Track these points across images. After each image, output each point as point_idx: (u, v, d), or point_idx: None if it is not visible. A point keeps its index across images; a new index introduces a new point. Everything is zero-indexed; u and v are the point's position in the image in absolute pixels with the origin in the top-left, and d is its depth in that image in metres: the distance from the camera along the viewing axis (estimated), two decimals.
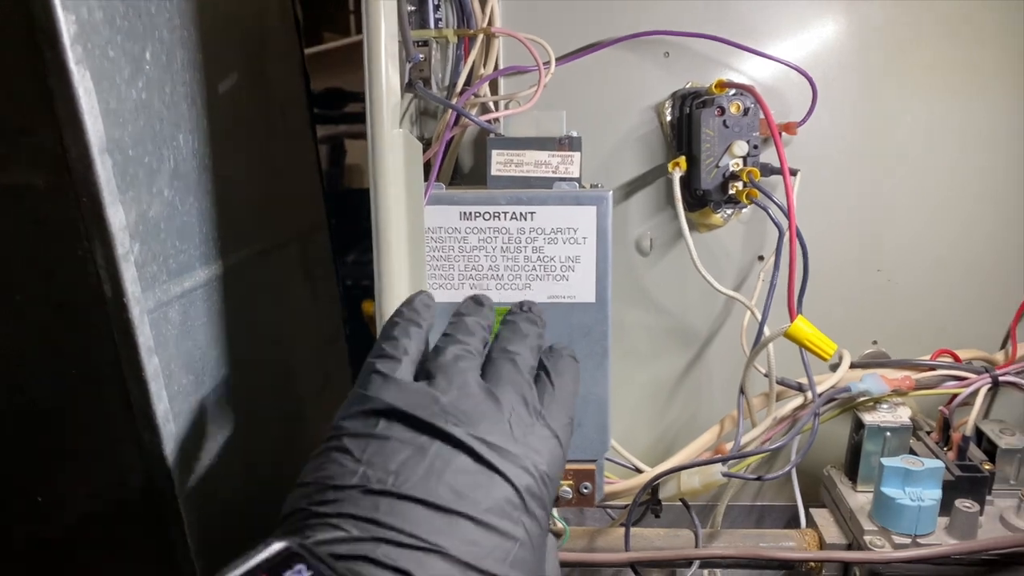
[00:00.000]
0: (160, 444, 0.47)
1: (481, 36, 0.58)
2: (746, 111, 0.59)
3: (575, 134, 0.55)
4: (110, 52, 0.42)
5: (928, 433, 0.62)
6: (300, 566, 0.28)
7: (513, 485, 0.34)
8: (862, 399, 0.60)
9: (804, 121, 0.62)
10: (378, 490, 0.33)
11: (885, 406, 0.60)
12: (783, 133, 0.62)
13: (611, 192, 0.52)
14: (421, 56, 0.55)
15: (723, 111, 0.59)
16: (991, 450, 0.59)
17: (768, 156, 0.61)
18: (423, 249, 0.52)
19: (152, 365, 0.46)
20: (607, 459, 0.57)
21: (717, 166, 0.59)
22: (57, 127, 0.40)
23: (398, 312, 0.42)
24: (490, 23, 0.59)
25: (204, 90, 0.53)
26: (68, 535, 0.51)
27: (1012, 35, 0.62)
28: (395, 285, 0.47)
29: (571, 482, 0.55)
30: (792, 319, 0.53)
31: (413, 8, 0.56)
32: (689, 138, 0.61)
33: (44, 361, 0.46)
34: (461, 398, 0.36)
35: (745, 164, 0.59)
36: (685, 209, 0.61)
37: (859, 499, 0.59)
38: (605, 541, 0.61)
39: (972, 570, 0.53)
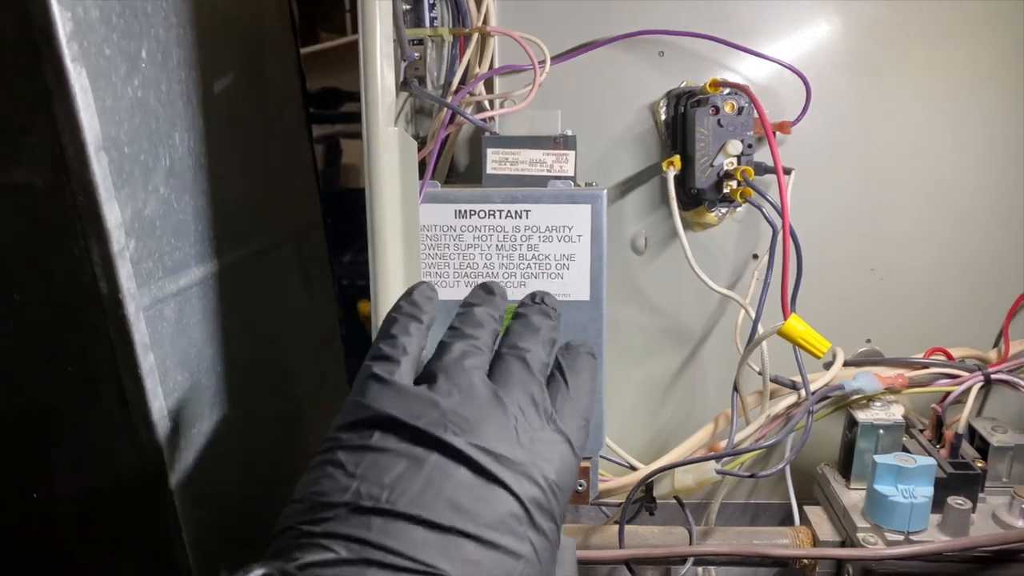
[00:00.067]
0: (156, 441, 0.47)
1: (476, 35, 0.59)
2: (740, 110, 0.59)
3: (570, 133, 0.55)
4: (106, 50, 0.42)
5: (921, 431, 0.62)
6: None
7: (517, 497, 0.32)
8: (855, 397, 0.60)
9: (798, 120, 0.63)
10: (370, 507, 0.30)
11: (878, 404, 0.60)
12: (777, 132, 0.62)
13: (606, 191, 0.53)
14: (416, 55, 0.56)
15: (717, 110, 0.59)
16: (983, 448, 0.60)
17: (762, 155, 0.61)
18: (419, 247, 0.52)
19: (148, 362, 0.46)
20: (602, 457, 0.57)
21: (711, 165, 0.59)
22: (54, 126, 0.40)
23: (396, 306, 0.39)
24: (485, 22, 0.59)
25: (200, 89, 0.53)
26: (64, 533, 0.51)
27: (1006, 35, 0.63)
28: (391, 284, 0.47)
29: None
30: (786, 317, 0.53)
31: (408, 7, 0.57)
32: (684, 137, 0.61)
33: (42, 360, 0.46)
34: (463, 402, 0.34)
35: (739, 163, 0.59)
36: (680, 208, 0.61)
37: (852, 496, 0.59)
38: (600, 538, 0.61)
39: (964, 567, 0.53)
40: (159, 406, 0.47)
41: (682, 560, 0.59)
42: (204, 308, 0.54)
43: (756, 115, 0.59)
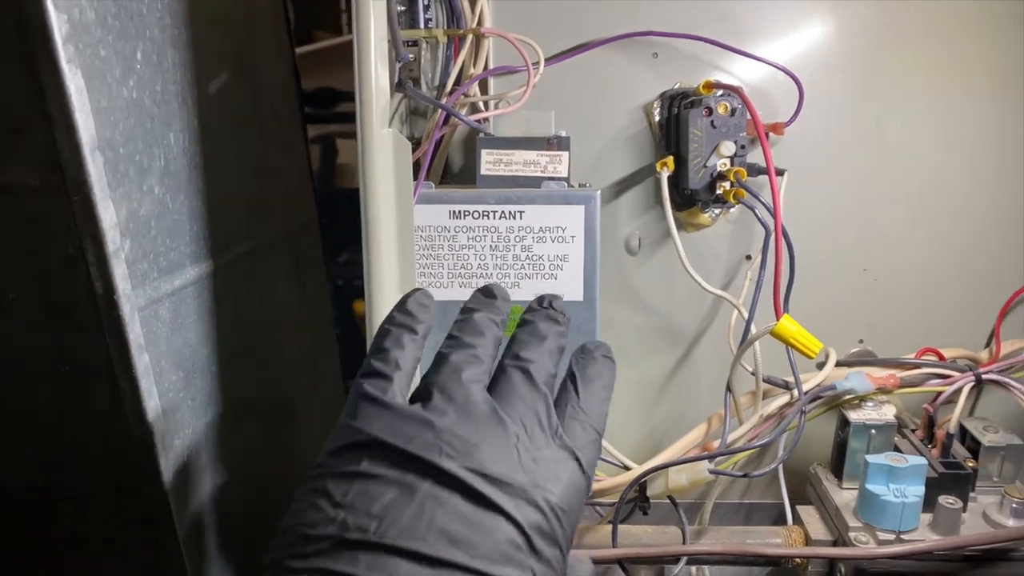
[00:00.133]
0: (150, 441, 0.47)
1: (471, 36, 0.59)
2: (733, 112, 0.59)
3: (564, 134, 0.55)
4: (101, 51, 0.43)
5: (913, 431, 0.62)
6: None
7: (517, 524, 0.30)
8: (848, 397, 0.61)
9: (791, 122, 0.63)
10: (357, 540, 0.29)
11: (870, 404, 0.61)
12: (770, 133, 0.63)
13: (599, 191, 0.53)
14: (411, 56, 0.56)
15: (711, 112, 0.59)
16: (975, 447, 0.60)
17: (755, 156, 0.62)
18: (413, 248, 0.53)
19: (143, 362, 0.46)
20: None
21: (705, 166, 0.60)
22: (50, 126, 0.40)
23: (389, 318, 0.37)
24: (480, 23, 0.59)
25: (195, 89, 0.53)
26: (58, 533, 0.51)
27: (998, 35, 0.63)
28: (385, 284, 0.47)
29: None
30: (778, 318, 0.54)
31: (403, 8, 0.57)
32: (677, 138, 0.61)
33: (38, 360, 0.46)
34: (460, 421, 0.32)
35: (732, 164, 0.59)
36: (673, 209, 0.61)
37: (844, 496, 0.59)
38: (593, 538, 0.61)
39: (955, 566, 0.53)
40: (154, 406, 0.47)
41: (675, 559, 0.59)
42: (199, 308, 0.54)
43: (749, 116, 0.59)
